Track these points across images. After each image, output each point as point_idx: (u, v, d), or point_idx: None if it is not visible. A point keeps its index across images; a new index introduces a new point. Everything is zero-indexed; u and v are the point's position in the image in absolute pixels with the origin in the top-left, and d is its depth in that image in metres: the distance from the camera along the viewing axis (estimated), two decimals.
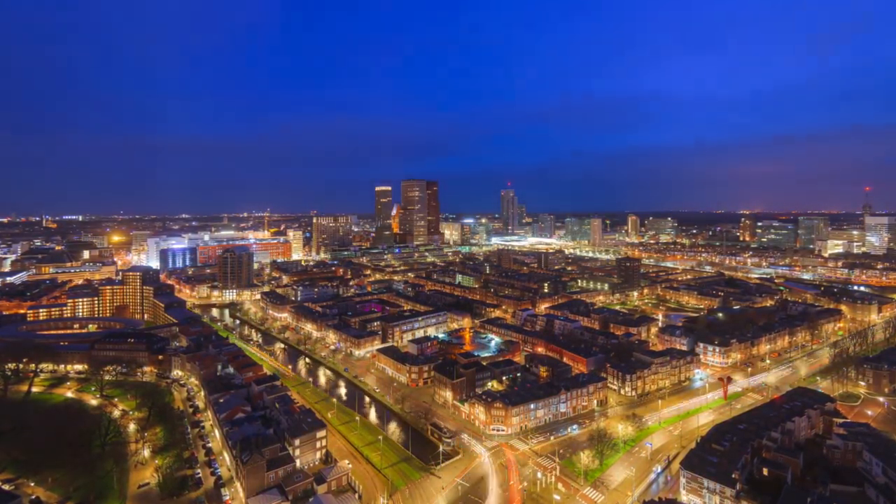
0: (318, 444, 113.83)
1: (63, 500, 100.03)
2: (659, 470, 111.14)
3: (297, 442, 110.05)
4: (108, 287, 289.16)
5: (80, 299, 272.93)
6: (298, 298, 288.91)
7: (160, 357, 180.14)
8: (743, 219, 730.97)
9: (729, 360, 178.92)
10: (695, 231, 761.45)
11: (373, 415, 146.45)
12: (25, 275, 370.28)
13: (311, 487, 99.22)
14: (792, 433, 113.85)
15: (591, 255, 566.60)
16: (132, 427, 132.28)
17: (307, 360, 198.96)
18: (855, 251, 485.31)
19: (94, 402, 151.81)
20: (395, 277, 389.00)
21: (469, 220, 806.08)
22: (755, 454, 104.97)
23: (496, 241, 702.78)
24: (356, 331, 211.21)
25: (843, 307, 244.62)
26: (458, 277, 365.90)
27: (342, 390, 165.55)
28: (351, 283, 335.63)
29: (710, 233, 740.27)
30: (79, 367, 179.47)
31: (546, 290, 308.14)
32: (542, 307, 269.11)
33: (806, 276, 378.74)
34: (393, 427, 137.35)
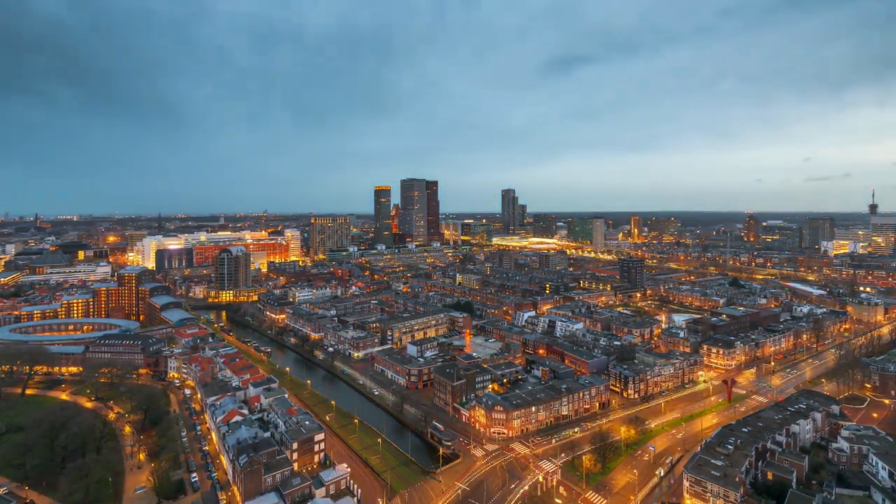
0: (316, 448, 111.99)
1: None
2: (662, 473, 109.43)
3: (294, 445, 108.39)
4: (104, 288, 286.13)
5: (75, 300, 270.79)
6: (296, 300, 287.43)
7: (156, 359, 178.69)
8: (747, 219, 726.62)
9: (733, 362, 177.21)
10: (698, 232, 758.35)
11: (372, 417, 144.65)
12: (19, 275, 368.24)
13: (310, 491, 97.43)
14: (797, 436, 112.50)
15: (593, 256, 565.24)
16: (128, 430, 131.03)
17: (305, 362, 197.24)
18: (860, 252, 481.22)
19: (89, 404, 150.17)
20: (395, 278, 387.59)
21: (469, 221, 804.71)
22: (760, 457, 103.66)
23: (496, 242, 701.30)
24: (355, 332, 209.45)
25: (849, 308, 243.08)
26: (458, 278, 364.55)
27: (341, 393, 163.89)
28: (349, 284, 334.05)
29: (714, 233, 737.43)
30: (73, 369, 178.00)
31: (547, 292, 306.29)
32: (544, 308, 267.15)
33: (811, 277, 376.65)
34: (392, 430, 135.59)
